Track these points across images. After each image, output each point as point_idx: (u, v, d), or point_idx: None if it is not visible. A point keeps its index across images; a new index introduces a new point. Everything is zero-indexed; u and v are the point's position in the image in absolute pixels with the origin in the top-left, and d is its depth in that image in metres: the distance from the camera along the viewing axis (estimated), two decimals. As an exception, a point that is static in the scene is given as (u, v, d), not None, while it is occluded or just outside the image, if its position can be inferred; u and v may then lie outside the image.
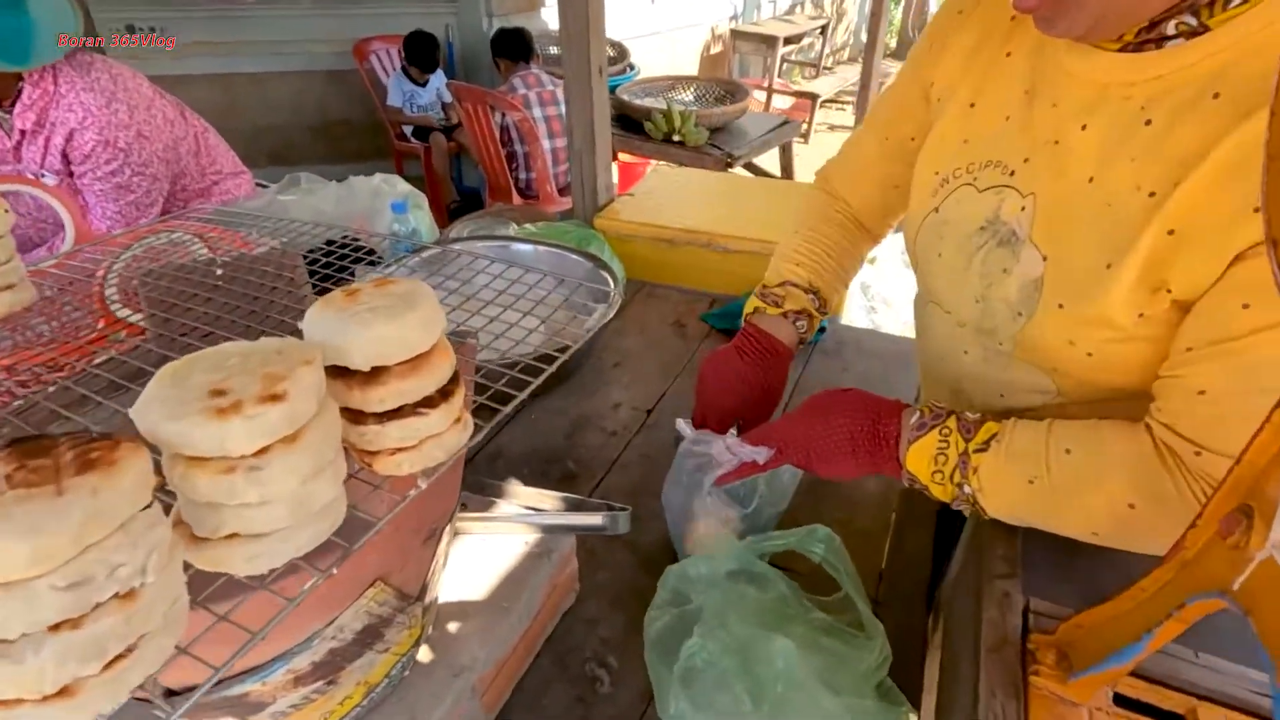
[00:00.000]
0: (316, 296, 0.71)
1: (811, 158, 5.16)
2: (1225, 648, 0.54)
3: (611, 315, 1.19)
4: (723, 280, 1.54)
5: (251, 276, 0.60)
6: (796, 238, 0.89)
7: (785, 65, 5.97)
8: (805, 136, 5.40)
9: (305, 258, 0.74)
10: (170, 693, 0.48)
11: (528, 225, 1.56)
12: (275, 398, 0.29)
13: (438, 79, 3.60)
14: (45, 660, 0.23)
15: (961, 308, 0.69)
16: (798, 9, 6.74)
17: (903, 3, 7.28)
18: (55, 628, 0.24)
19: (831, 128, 5.94)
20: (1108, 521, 0.56)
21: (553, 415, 1.19)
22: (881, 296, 2.53)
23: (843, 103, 6.45)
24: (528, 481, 0.90)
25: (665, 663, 0.70)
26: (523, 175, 3.06)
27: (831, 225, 0.89)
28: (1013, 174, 0.62)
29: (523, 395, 0.44)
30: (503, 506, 0.82)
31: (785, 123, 3.21)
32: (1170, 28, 0.51)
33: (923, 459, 0.62)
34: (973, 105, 0.67)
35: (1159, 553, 0.47)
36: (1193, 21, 0.50)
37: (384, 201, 1.63)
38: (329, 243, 1.07)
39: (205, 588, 0.32)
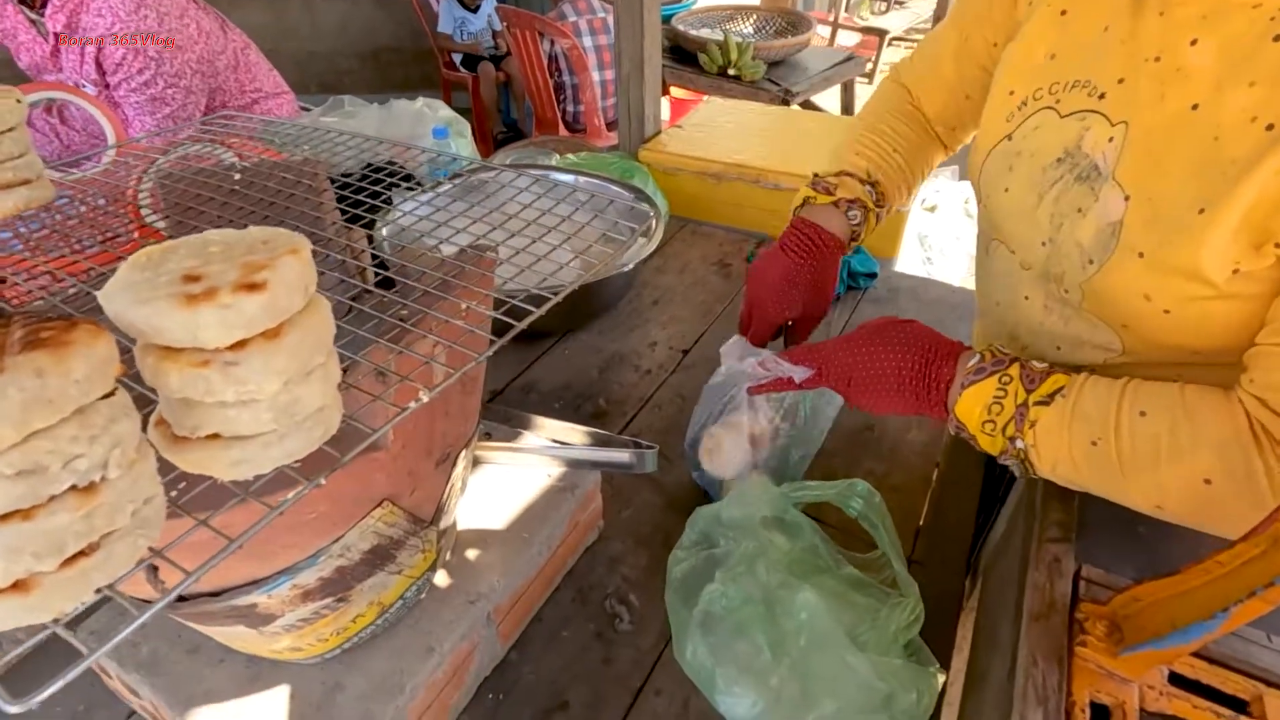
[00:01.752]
0: (343, 218, 0.69)
1: (874, 100, 4.89)
2: (1304, 633, 0.49)
3: (651, 250, 1.15)
4: (772, 220, 1.47)
5: (270, 182, 0.57)
6: (860, 127, 0.81)
7: (853, -1, 5.61)
8: (870, 75, 5.10)
9: (335, 181, 0.71)
10: (179, 599, 0.47)
11: (570, 156, 1.51)
12: (254, 287, 0.26)
13: (489, 4, 3.48)
14: (-8, 551, 0.22)
15: (1027, 249, 0.62)
16: (874, -63, 6.29)
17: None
18: (5, 518, 0.22)
19: (898, 68, 5.60)
20: (1178, 497, 0.50)
21: (587, 351, 1.16)
22: (939, 247, 2.40)
23: (913, 40, 6.05)
24: (558, 416, 0.88)
25: (686, 605, 0.68)
26: (570, 108, 2.97)
27: (900, 119, 0.80)
28: (1102, 97, 0.53)
29: (521, 326, 0.40)
30: (529, 438, 0.81)
31: (849, 59, 3.02)
32: None
33: (975, 406, 0.56)
34: (1064, 13, 0.57)
35: (1229, 535, 0.42)
36: None
37: (426, 126, 1.59)
38: (368, 165, 1.04)
39: (188, 492, 0.30)
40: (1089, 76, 0.55)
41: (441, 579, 0.66)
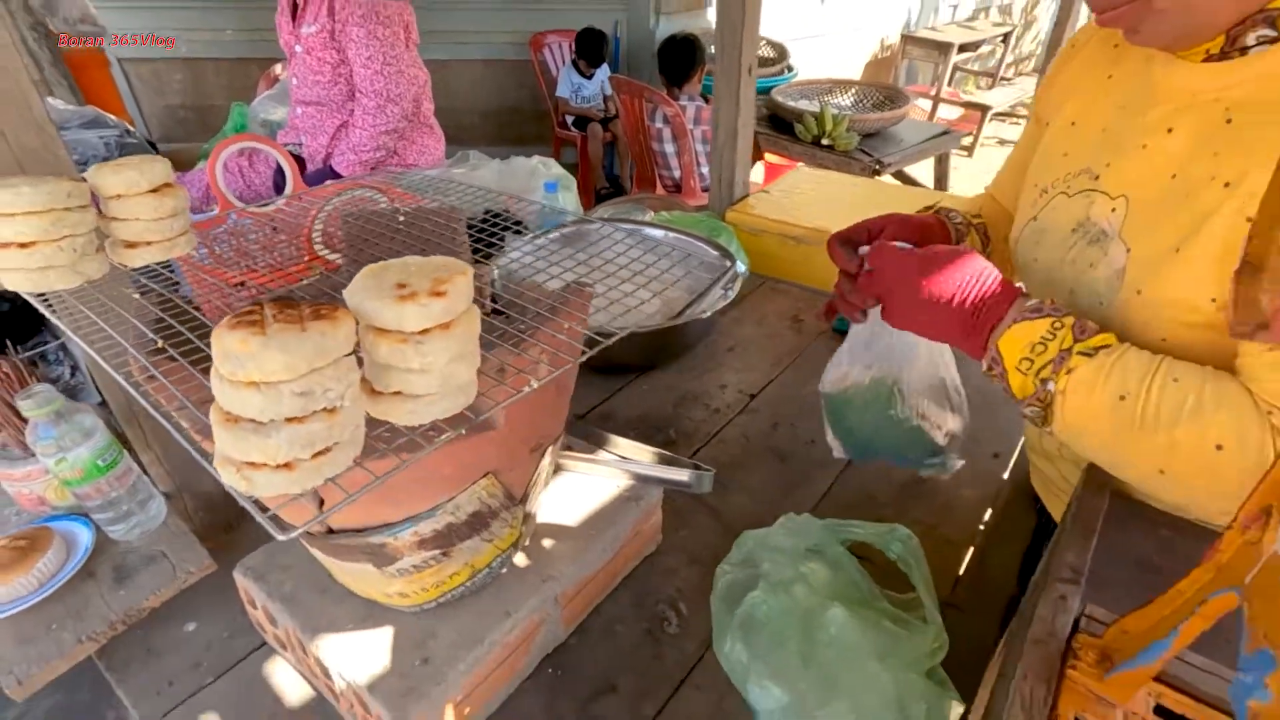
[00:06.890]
0: (472, 253, 0.85)
1: (973, 172, 4.87)
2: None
3: (728, 300, 1.27)
4: (845, 282, 1.56)
5: (426, 225, 0.73)
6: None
7: (959, 74, 5.66)
8: (970, 149, 5.11)
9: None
10: (329, 531, 0.62)
11: (663, 213, 1.66)
12: (439, 294, 0.40)
13: (603, 72, 3.80)
14: (281, 440, 0.35)
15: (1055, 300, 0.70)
16: (981, 15, 6.35)
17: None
18: (289, 420, 0.36)
19: (1001, 142, 5.56)
20: (1185, 457, 0.55)
21: (664, 388, 1.28)
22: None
23: (1019, 116, 6.01)
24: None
25: (729, 609, 0.77)
26: (669, 173, 3.18)
27: (986, 206, 0.96)
28: (1097, 178, 0.67)
29: (593, 352, 0.52)
30: (603, 454, 0.93)
31: (945, 133, 3.09)
32: (1250, 39, 0.56)
33: (1020, 341, 0.60)
34: (1074, 124, 0.74)
35: (1216, 509, 0.57)
36: (1271, 32, 0.55)
37: (539, 181, 1.80)
38: (487, 212, 1.23)
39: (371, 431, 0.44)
40: (1089, 165, 0.69)
41: (520, 559, 0.78)
